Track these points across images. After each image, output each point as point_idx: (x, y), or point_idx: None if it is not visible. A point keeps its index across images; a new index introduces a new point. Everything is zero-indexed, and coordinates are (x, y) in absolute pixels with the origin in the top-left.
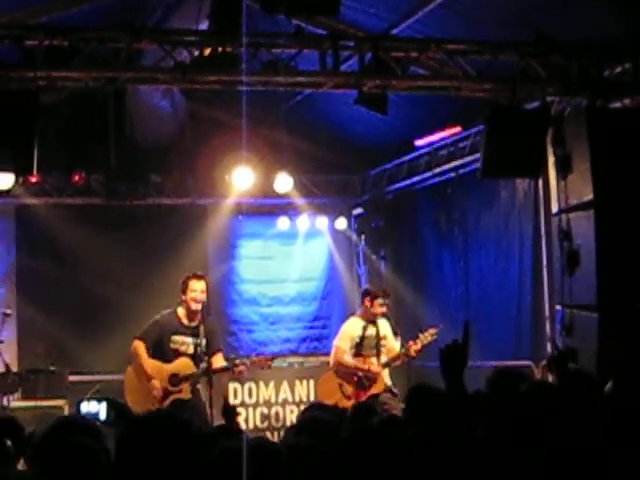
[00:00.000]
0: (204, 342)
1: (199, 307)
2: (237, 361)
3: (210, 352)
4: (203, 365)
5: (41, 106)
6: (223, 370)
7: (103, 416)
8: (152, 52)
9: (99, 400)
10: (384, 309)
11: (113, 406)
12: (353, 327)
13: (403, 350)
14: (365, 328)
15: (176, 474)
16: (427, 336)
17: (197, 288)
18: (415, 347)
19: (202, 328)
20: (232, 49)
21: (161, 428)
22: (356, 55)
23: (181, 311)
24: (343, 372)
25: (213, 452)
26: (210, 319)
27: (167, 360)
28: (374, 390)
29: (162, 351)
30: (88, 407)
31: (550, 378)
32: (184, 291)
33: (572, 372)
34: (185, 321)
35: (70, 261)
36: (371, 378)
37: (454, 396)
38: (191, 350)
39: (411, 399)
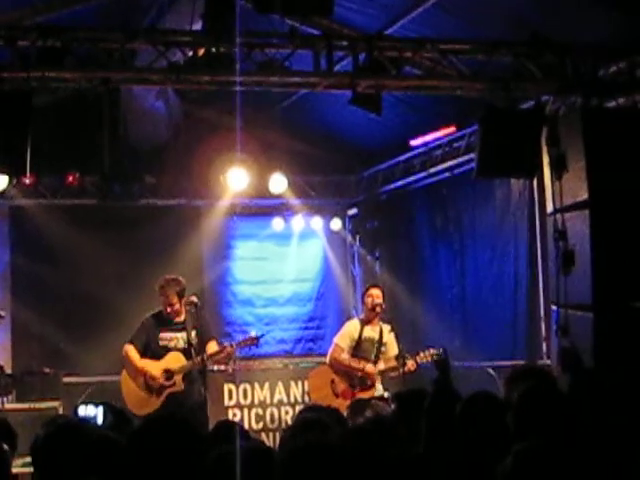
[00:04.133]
0: (193, 334)
1: (169, 310)
2: (225, 344)
3: (204, 342)
4: (198, 357)
5: (34, 107)
6: (215, 354)
7: (100, 420)
8: (145, 52)
9: (96, 404)
10: (379, 300)
11: (110, 410)
12: (354, 327)
13: (400, 363)
14: (364, 329)
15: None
16: (427, 356)
17: (166, 294)
18: (413, 364)
19: (188, 322)
20: (226, 49)
21: (162, 434)
22: (350, 55)
23: (167, 310)
24: (338, 369)
25: (208, 458)
26: (194, 311)
27: (158, 358)
28: (364, 393)
29: (152, 350)
30: (86, 411)
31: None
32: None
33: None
34: (171, 318)
35: (64, 262)
36: (364, 380)
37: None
38: (181, 344)
39: (400, 401)
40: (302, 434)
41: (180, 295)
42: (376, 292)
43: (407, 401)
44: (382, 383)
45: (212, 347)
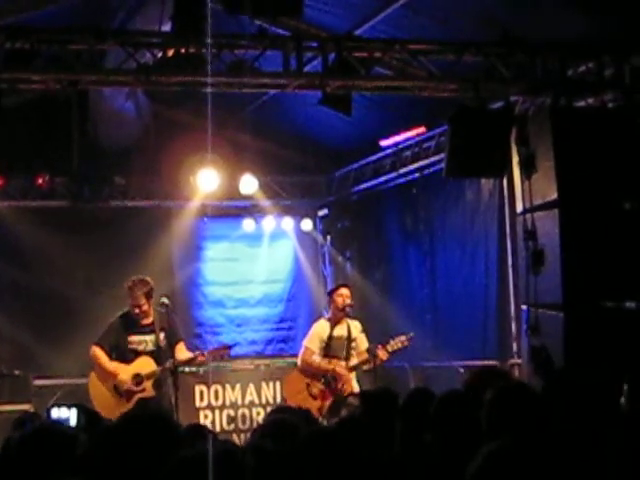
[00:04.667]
0: (162, 336)
1: (137, 311)
2: (197, 352)
3: (172, 344)
4: (168, 363)
5: (3, 108)
6: (186, 362)
7: (74, 422)
8: (115, 54)
9: (69, 406)
10: (349, 300)
11: (84, 412)
12: (322, 328)
13: (372, 354)
14: (333, 328)
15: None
16: (397, 343)
17: (133, 295)
18: (384, 353)
19: (156, 324)
20: (195, 50)
21: (135, 431)
22: (320, 56)
23: (135, 311)
24: (310, 372)
25: (176, 458)
26: (163, 312)
27: (128, 361)
28: (342, 390)
29: (121, 353)
30: (59, 413)
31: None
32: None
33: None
34: (139, 320)
35: (34, 264)
36: (337, 379)
37: None
38: (150, 347)
39: (366, 400)
40: (271, 436)
41: (148, 296)
42: (346, 292)
43: (373, 400)
44: (356, 378)
45: (181, 349)
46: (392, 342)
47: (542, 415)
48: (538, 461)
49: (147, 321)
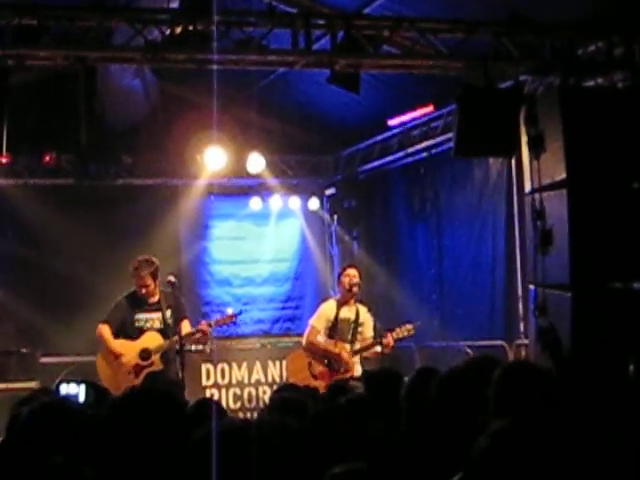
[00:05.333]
0: (169, 314)
1: (144, 291)
2: (203, 322)
3: (177, 321)
4: (175, 338)
5: (11, 86)
6: (190, 335)
7: (82, 398)
8: (122, 31)
9: (78, 382)
10: (356, 279)
11: (93, 388)
12: (330, 308)
13: (377, 340)
14: (340, 309)
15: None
16: (404, 331)
17: (139, 275)
18: (390, 343)
19: (162, 302)
20: (203, 27)
21: (144, 404)
22: (328, 34)
23: (142, 291)
24: (314, 351)
25: (191, 437)
26: (168, 291)
27: (135, 338)
28: (343, 374)
29: (127, 331)
30: (68, 389)
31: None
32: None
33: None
34: (146, 299)
35: (41, 242)
36: (340, 362)
37: None
38: (157, 325)
39: (369, 381)
40: (280, 413)
41: (154, 276)
42: (353, 272)
43: (376, 381)
44: (360, 363)
45: (185, 327)
46: (398, 330)
47: (551, 394)
48: (547, 440)
49: (153, 300)
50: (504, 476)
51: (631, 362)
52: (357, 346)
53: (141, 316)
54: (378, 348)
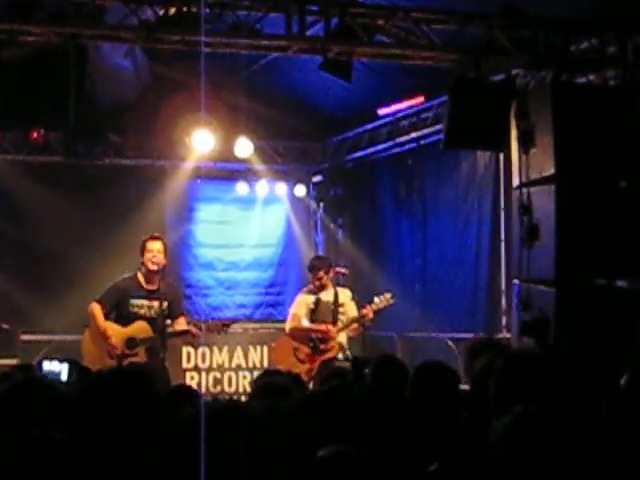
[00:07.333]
0: (165, 305)
1: (155, 267)
2: (192, 325)
3: (173, 316)
4: (168, 331)
5: (1, 62)
6: (181, 333)
7: (65, 377)
8: (116, 9)
9: (61, 360)
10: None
11: (75, 367)
12: (307, 295)
13: (359, 315)
14: (318, 295)
15: (137, 432)
16: (383, 300)
17: (153, 248)
18: (370, 313)
19: (162, 291)
20: (198, 9)
21: (122, 383)
22: (322, 20)
23: (141, 275)
24: (299, 335)
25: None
26: (171, 283)
27: (126, 324)
28: (329, 355)
29: (122, 315)
30: (50, 366)
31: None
32: (142, 253)
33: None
34: (145, 285)
35: (27, 219)
36: (326, 341)
37: None
38: (152, 313)
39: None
40: (266, 398)
41: (166, 254)
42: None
43: (382, 369)
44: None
45: (181, 324)
46: (377, 300)
47: (560, 381)
48: (567, 426)
49: (152, 287)
50: (524, 455)
51: (626, 373)
52: (340, 325)
53: (137, 302)
54: (358, 324)
